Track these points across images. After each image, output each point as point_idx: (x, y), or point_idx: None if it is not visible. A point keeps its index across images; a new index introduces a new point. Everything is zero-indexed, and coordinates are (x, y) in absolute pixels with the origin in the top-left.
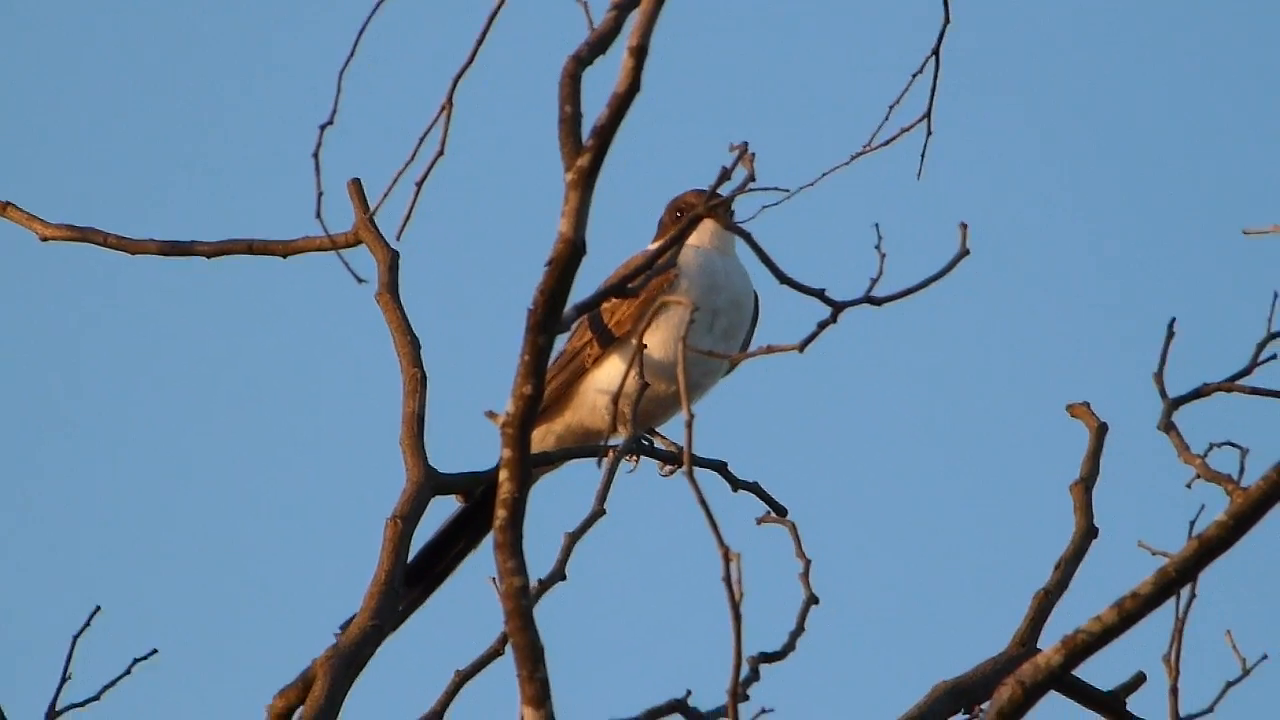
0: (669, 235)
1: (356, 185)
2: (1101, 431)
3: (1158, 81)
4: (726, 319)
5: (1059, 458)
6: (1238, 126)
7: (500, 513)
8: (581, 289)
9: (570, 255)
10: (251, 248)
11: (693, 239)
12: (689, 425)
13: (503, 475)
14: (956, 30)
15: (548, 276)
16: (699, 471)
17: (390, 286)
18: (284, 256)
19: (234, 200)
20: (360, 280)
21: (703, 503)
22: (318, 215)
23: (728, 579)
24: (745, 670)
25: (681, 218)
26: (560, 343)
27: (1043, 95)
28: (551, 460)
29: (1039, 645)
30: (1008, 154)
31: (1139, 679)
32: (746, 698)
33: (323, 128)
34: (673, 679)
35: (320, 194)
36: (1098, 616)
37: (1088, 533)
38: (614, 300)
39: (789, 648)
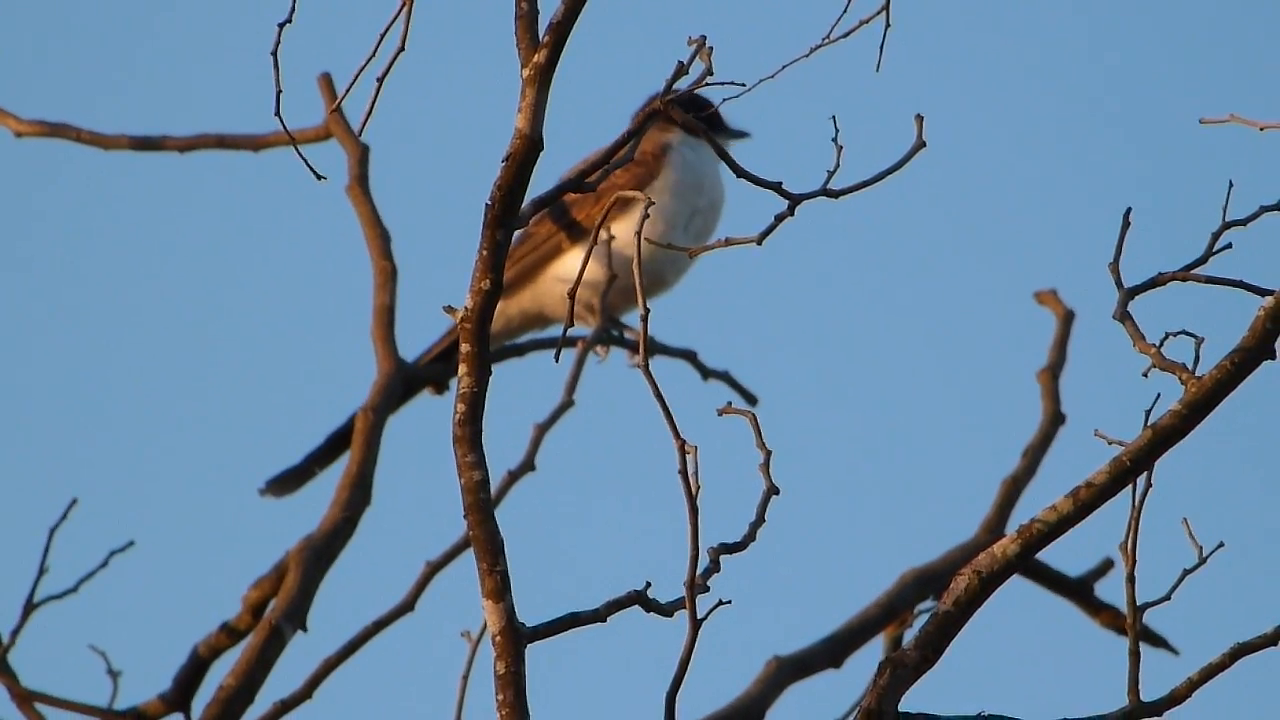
0: (626, 129)
1: (326, 80)
2: (1068, 319)
3: None
4: (702, 219)
5: (1023, 345)
6: (1195, 14)
7: (459, 407)
8: (543, 185)
9: (527, 151)
10: (223, 142)
11: (683, 137)
12: (644, 318)
13: (461, 369)
14: None
15: (504, 172)
16: (670, 362)
17: (360, 180)
18: (255, 150)
19: (204, 97)
20: (320, 177)
21: (658, 394)
22: (277, 113)
23: (684, 471)
24: (705, 562)
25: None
26: (529, 226)
27: None
28: (520, 352)
29: (1008, 532)
30: (965, 46)
31: (1106, 565)
32: (706, 589)
33: (281, 26)
34: (634, 571)
35: (280, 91)
36: (1053, 506)
37: (1055, 419)
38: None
39: (749, 539)
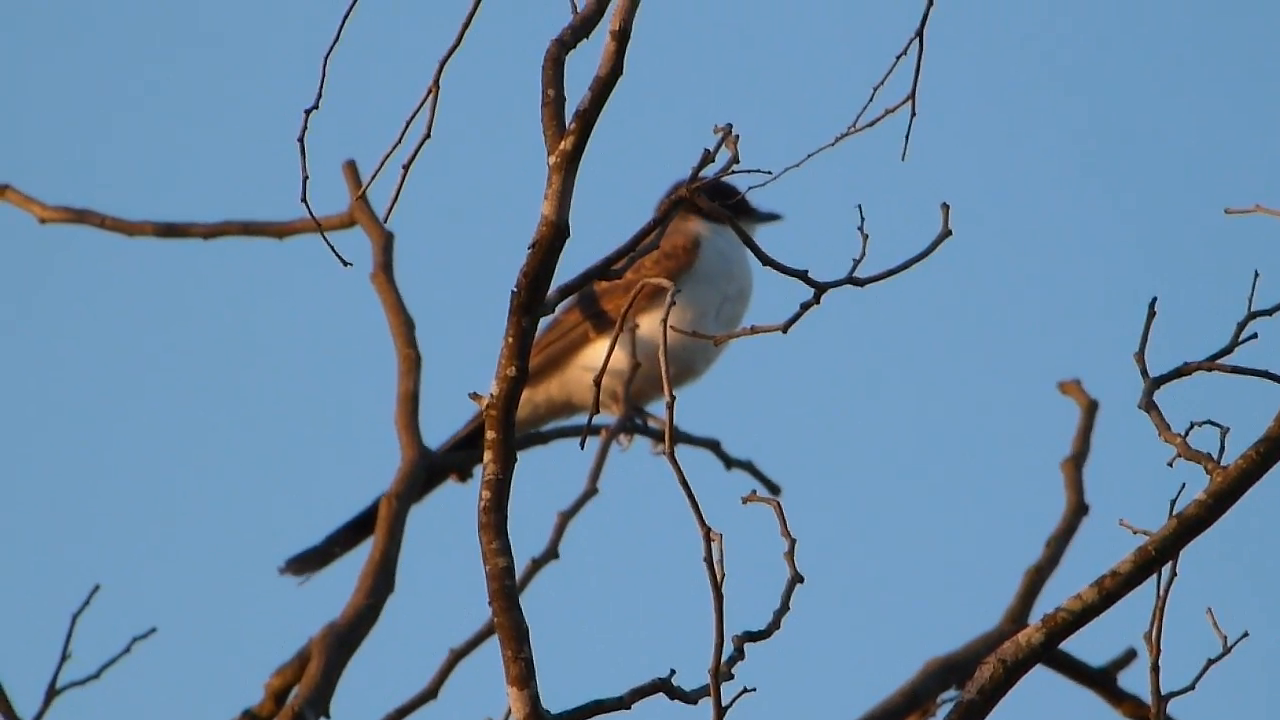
0: (653, 218)
1: (351, 167)
2: (1092, 409)
3: (1141, 61)
4: (732, 307)
5: (1046, 435)
6: (1221, 107)
7: (485, 494)
8: (570, 271)
9: (553, 237)
10: (247, 229)
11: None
12: (670, 405)
13: (486, 457)
14: (940, 11)
15: (531, 259)
16: (693, 451)
17: (385, 267)
18: (280, 238)
19: (229, 184)
20: (346, 263)
21: (684, 482)
22: (303, 199)
23: (709, 558)
24: (730, 650)
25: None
26: (558, 313)
27: (1026, 76)
28: (545, 440)
29: (1031, 622)
30: (991, 135)
31: (1129, 655)
32: (731, 677)
33: (308, 112)
34: (659, 658)
35: (306, 178)
36: (1078, 595)
37: (1078, 509)
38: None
39: (773, 626)
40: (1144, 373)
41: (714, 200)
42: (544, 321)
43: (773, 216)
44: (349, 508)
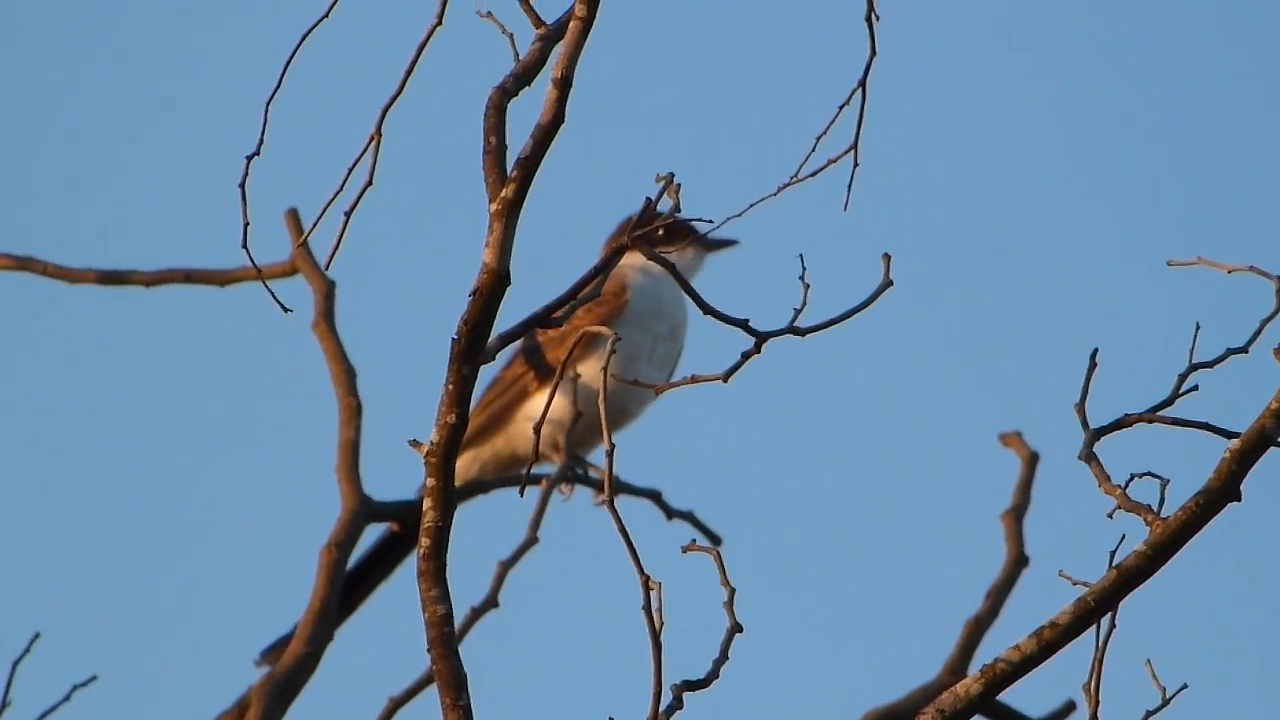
0: (593, 266)
1: (293, 216)
2: (1033, 461)
3: (1080, 113)
4: (665, 347)
5: (987, 487)
6: (1163, 158)
7: (424, 541)
8: (512, 319)
9: (494, 285)
10: (189, 277)
11: (647, 264)
12: (610, 454)
13: (426, 504)
14: (883, 61)
15: (471, 306)
16: (633, 500)
17: (327, 315)
18: (222, 285)
19: (171, 232)
20: (287, 310)
21: (623, 531)
22: (244, 245)
23: (648, 607)
24: (668, 698)
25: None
26: (498, 368)
27: (969, 125)
28: (486, 488)
29: (971, 672)
30: (933, 185)
31: (1069, 707)
32: None
33: (249, 158)
34: (597, 707)
35: (247, 224)
36: (1017, 646)
37: (1018, 561)
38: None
39: (712, 675)
40: (1084, 424)
41: (672, 236)
42: (485, 378)
43: (728, 243)
44: (287, 556)
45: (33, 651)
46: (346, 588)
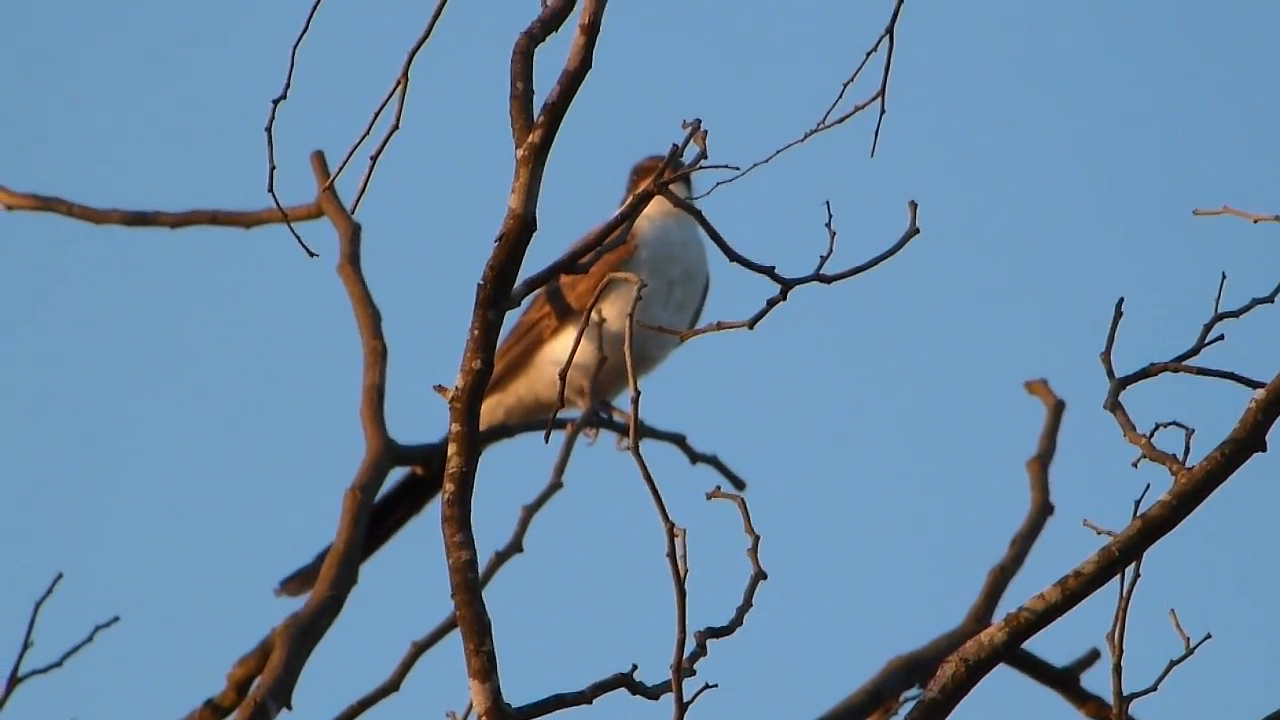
0: (619, 211)
1: (319, 158)
2: (1059, 409)
3: (1113, 60)
4: (681, 290)
5: (1012, 435)
6: (1190, 107)
7: (448, 486)
8: (538, 264)
9: (520, 231)
10: (215, 218)
11: (652, 208)
12: (635, 400)
13: (451, 449)
14: (910, 8)
15: (497, 252)
16: (657, 445)
17: (352, 258)
18: (247, 228)
19: (198, 172)
20: (312, 254)
21: (648, 477)
22: (270, 189)
23: (672, 554)
24: (692, 645)
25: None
26: (519, 314)
27: (996, 74)
28: (510, 433)
29: (995, 621)
30: (960, 133)
31: (1092, 656)
32: (693, 672)
33: (276, 102)
34: (621, 653)
35: (273, 168)
36: (1041, 595)
37: (1043, 509)
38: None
39: (736, 622)
40: (1110, 373)
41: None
42: (508, 324)
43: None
44: (313, 498)
45: (55, 592)
46: (370, 526)
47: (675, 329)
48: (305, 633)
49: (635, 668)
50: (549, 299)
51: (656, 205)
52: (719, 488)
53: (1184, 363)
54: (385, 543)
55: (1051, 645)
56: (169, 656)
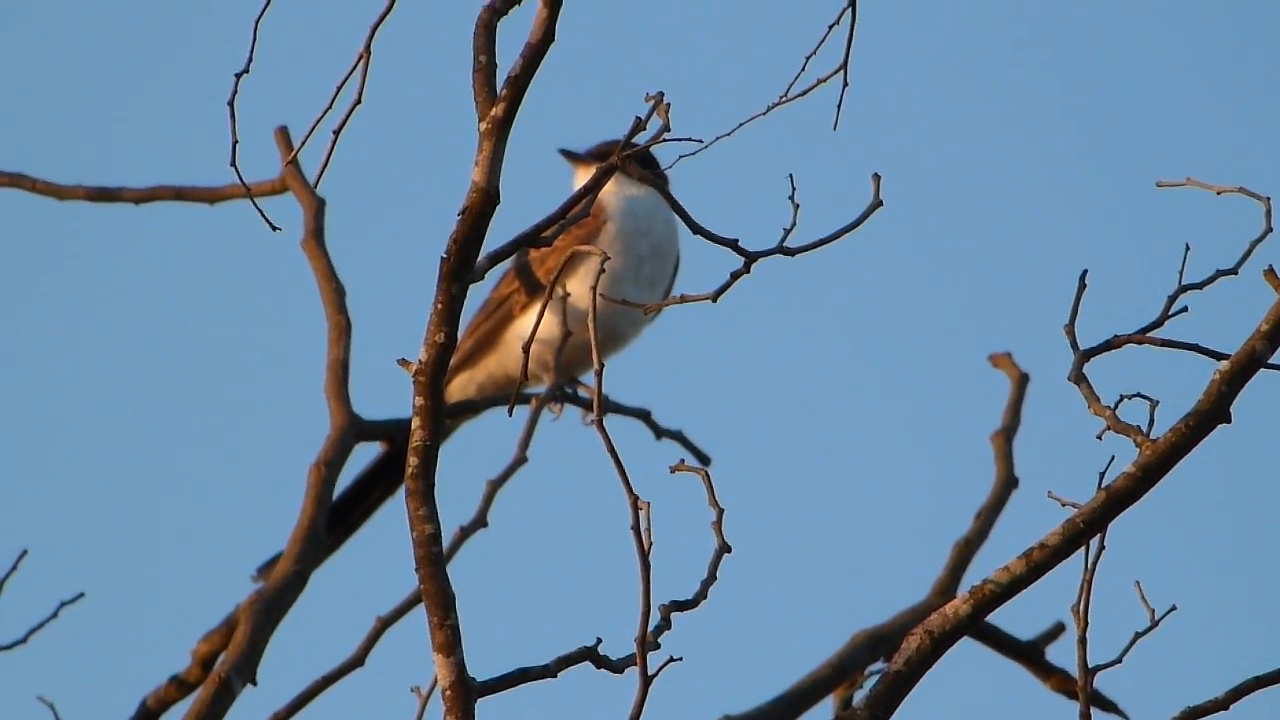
0: (581, 185)
1: (283, 133)
2: (1023, 381)
3: (1073, 34)
4: (651, 267)
5: (977, 408)
6: (1153, 79)
7: (412, 460)
8: (502, 238)
9: (483, 204)
10: (179, 194)
11: (620, 184)
12: (599, 374)
13: (415, 423)
14: None
15: (460, 225)
16: (622, 420)
17: (316, 233)
18: (211, 203)
19: (161, 148)
20: (276, 228)
21: (612, 451)
22: (233, 163)
23: (636, 527)
24: (656, 619)
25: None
26: (489, 289)
27: (958, 46)
28: (475, 408)
29: (960, 594)
30: (923, 105)
31: (1057, 628)
32: (658, 646)
33: (238, 76)
34: (586, 627)
35: (236, 142)
36: (1006, 567)
37: (1008, 482)
38: (541, 249)
39: (700, 596)
40: (1074, 345)
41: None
42: (475, 300)
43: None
44: (276, 474)
45: (20, 568)
46: (343, 510)
47: (639, 303)
48: (270, 608)
49: (600, 641)
50: (519, 274)
51: (624, 182)
52: (683, 461)
53: (1148, 335)
54: (361, 526)
55: (1016, 618)
56: (134, 633)
